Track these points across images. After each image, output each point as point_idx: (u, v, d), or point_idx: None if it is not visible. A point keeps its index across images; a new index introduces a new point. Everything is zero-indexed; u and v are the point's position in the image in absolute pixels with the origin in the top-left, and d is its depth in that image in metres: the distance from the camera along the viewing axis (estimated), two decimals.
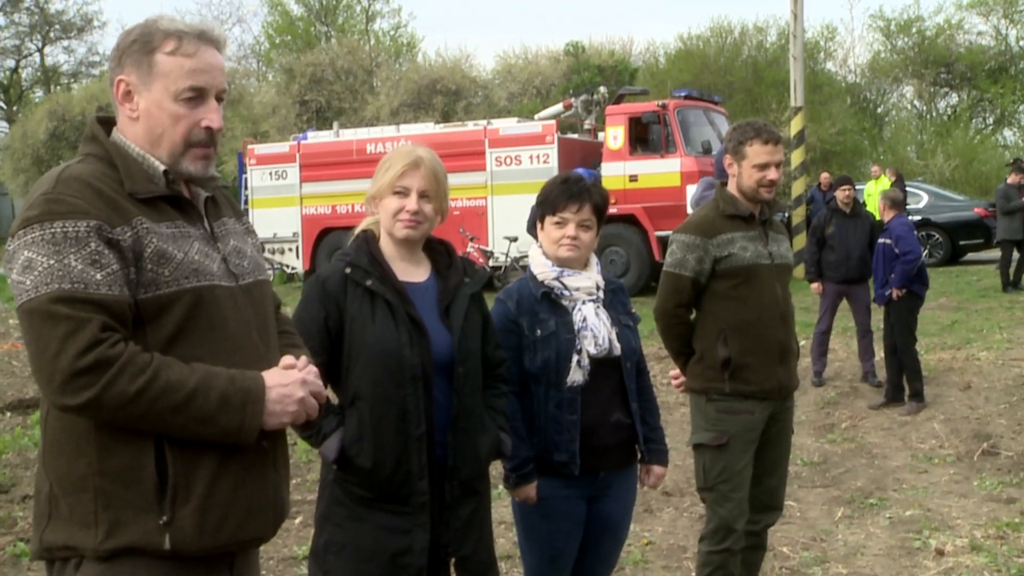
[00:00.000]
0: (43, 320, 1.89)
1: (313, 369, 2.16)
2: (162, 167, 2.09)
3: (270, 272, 20.04)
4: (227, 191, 2.35)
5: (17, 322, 12.31)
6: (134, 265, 1.97)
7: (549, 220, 3.30)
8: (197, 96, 2.07)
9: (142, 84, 2.07)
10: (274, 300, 2.36)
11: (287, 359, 2.13)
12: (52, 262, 1.90)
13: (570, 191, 3.25)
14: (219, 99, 2.11)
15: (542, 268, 3.30)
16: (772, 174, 3.87)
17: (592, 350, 3.22)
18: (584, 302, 3.27)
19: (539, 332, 3.22)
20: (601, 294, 3.33)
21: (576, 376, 3.20)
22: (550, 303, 3.26)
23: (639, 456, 3.43)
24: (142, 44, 2.07)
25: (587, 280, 3.29)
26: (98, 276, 1.92)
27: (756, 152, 3.86)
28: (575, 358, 3.20)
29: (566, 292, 3.26)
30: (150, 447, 1.97)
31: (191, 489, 2.00)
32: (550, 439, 3.21)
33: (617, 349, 3.28)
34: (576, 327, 3.23)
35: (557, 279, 3.26)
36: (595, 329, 3.24)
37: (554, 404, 3.21)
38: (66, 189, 1.97)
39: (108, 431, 1.96)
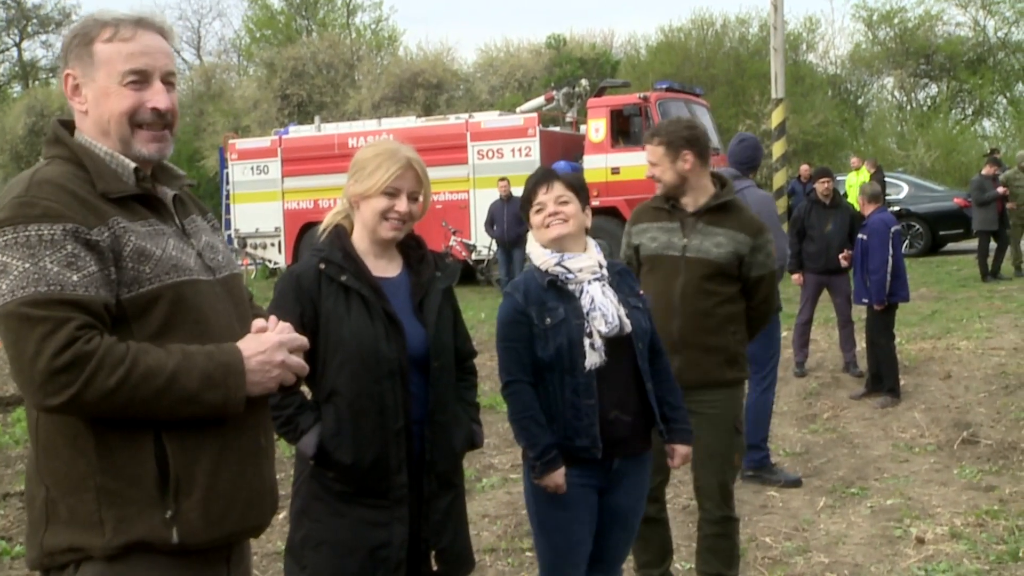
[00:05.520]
0: (20, 323, 1.88)
1: (286, 326, 2.15)
2: (132, 164, 2.09)
3: (252, 267, 19.98)
4: (192, 190, 2.35)
5: None
6: (114, 265, 1.97)
7: (532, 213, 3.34)
8: (141, 79, 2.08)
9: (86, 76, 2.08)
10: (246, 292, 2.38)
11: (258, 323, 2.13)
12: (27, 265, 1.89)
13: (535, 178, 3.37)
14: (167, 82, 2.11)
15: (542, 257, 3.30)
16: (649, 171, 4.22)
17: (603, 329, 3.20)
18: (590, 282, 3.27)
19: (549, 320, 3.22)
20: (605, 271, 3.32)
21: (593, 358, 3.18)
22: (557, 291, 3.26)
23: (661, 435, 3.39)
24: (82, 37, 2.09)
25: (589, 260, 3.29)
26: (75, 278, 1.91)
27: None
28: (587, 341, 3.19)
29: (570, 275, 3.26)
30: (150, 442, 1.97)
31: (193, 481, 2.00)
32: (569, 425, 3.20)
33: (628, 327, 3.25)
34: (585, 310, 3.22)
35: (559, 264, 3.26)
36: (603, 308, 3.22)
37: (570, 390, 3.20)
38: (39, 192, 1.95)
39: (106, 428, 1.95)
